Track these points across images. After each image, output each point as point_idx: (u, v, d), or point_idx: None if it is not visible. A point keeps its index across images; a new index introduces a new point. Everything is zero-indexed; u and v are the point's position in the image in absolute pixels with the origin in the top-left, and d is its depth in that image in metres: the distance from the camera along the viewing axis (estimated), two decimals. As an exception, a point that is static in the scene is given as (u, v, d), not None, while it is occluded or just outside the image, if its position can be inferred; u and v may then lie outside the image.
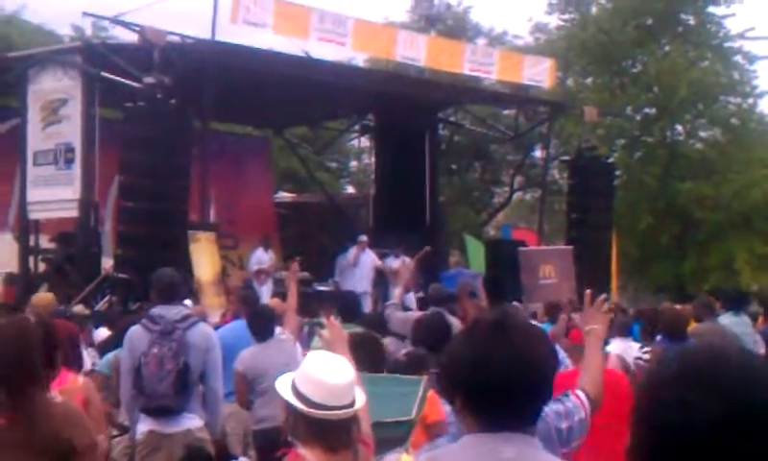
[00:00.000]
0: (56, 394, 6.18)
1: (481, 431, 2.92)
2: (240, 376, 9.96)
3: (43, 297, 11.57)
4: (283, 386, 4.56)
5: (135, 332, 8.63)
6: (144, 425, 8.53)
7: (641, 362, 11.72)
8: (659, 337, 11.88)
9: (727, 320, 13.33)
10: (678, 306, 15.81)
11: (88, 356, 10.61)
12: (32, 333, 4.94)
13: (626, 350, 11.96)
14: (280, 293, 18.40)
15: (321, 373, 4.50)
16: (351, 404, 4.48)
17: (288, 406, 4.54)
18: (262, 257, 21.76)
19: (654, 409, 1.94)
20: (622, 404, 7.39)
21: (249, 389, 9.91)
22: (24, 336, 4.87)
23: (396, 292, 18.39)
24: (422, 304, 18.08)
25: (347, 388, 4.49)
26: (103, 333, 13.15)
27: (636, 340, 13.00)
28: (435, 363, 7.28)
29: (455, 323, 10.73)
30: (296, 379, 4.54)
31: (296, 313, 10.46)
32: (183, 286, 11.13)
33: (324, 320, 5.35)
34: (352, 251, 22.65)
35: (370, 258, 22.70)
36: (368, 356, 6.85)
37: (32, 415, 4.70)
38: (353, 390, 4.53)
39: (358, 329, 8.67)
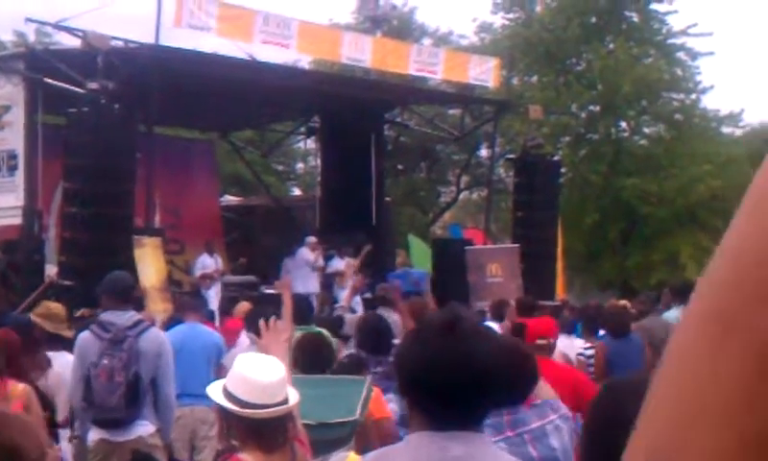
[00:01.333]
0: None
1: (429, 430, 2.94)
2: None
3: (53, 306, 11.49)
4: (214, 391, 4.60)
5: (85, 339, 8.56)
6: (95, 434, 8.49)
7: (583, 358, 11.86)
8: (601, 332, 12.01)
9: (676, 313, 13.49)
10: (622, 302, 15.98)
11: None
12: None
13: (569, 346, 12.08)
14: (230, 297, 18.42)
15: (251, 372, 4.54)
16: (284, 402, 4.52)
17: (221, 411, 4.57)
18: (206, 262, 21.72)
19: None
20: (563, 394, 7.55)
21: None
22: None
23: (346, 294, 18.49)
24: (369, 305, 18.13)
25: (278, 386, 4.52)
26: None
27: (578, 337, 13.13)
28: (375, 364, 7.34)
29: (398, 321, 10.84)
30: (227, 383, 4.57)
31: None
32: (135, 290, 11.13)
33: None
34: (305, 252, 22.63)
35: (319, 260, 22.78)
36: (317, 356, 6.91)
37: None
38: (285, 388, 4.57)
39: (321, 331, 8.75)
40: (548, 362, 8.22)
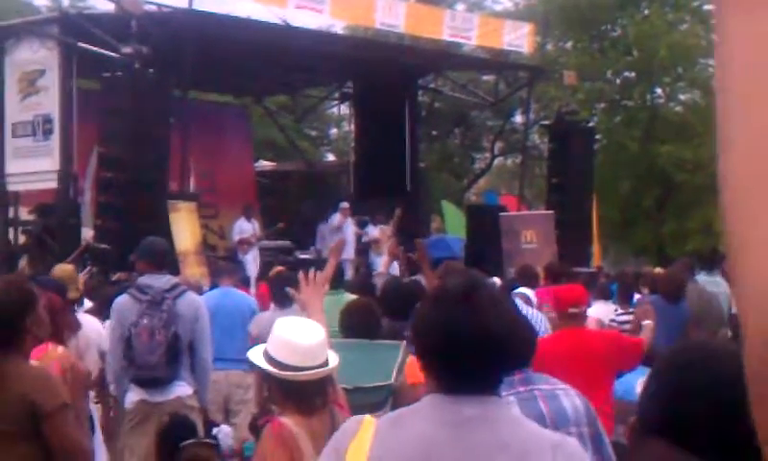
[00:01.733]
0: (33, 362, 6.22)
1: (444, 393, 2.93)
2: (253, 340, 9.96)
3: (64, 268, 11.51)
4: (256, 355, 4.62)
5: (124, 302, 8.59)
6: (134, 395, 8.51)
7: (615, 324, 11.81)
8: (652, 297, 11.92)
9: (701, 279, 13.45)
10: (657, 269, 15.93)
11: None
12: (12, 297, 4.98)
13: (606, 312, 12.04)
14: (267, 262, 18.45)
15: (291, 335, 4.55)
16: (324, 364, 4.52)
17: (263, 374, 4.58)
18: (244, 227, 21.70)
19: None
20: (596, 365, 7.48)
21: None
22: (19, 296, 4.94)
23: (383, 260, 18.47)
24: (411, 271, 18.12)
25: (318, 348, 4.53)
26: (85, 304, 13.14)
27: (614, 302, 13.09)
28: (401, 329, 7.31)
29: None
30: (268, 346, 4.58)
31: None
32: (170, 255, 11.17)
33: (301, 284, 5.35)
34: (336, 217, 22.67)
35: (351, 226, 22.76)
36: (363, 321, 6.90)
37: (5, 378, 4.73)
38: (325, 351, 4.57)
39: (350, 296, 8.73)
40: (581, 332, 8.10)
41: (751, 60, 0.93)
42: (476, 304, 2.95)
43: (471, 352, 2.89)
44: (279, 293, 10.25)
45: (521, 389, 4.40)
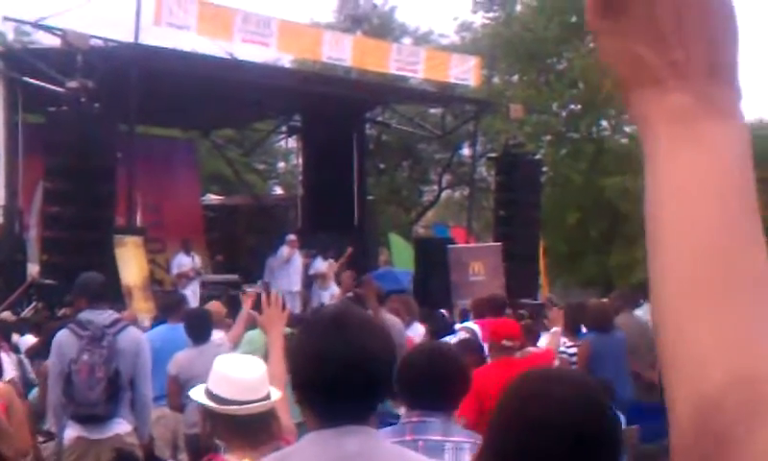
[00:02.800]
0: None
1: (321, 427, 2.95)
2: (173, 379, 9.89)
3: None
4: (197, 393, 4.65)
5: (64, 338, 8.53)
6: (72, 431, 8.45)
7: (565, 356, 11.87)
8: (584, 330, 12.03)
9: (644, 310, 13.60)
10: (603, 300, 16.04)
11: (11, 363, 10.48)
12: None
13: (554, 344, 12.09)
14: (211, 296, 18.38)
15: (231, 370, 4.59)
16: (266, 398, 4.54)
17: (204, 410, 4.60)
18: (183, 261, 21.65)
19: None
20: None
21: (181, 392, 9.85)
22: None
23: (335, 294, 18.51)
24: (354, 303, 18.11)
25: (258, 383, 4.56)
26: (29, 340, 13.04)
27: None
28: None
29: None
30: (209, 383, 4.62)
31: (244, 327, 10.55)
32: (109, 289, 11.08)
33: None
34: (285, 249, 22.64)
35: (299, 258, 22.75)
36: None
37: None
38: (266, 385, 4.59)
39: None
40: (511, 361, 8.30)
41: (678, 190, 1.02)
42: (345, 330, 2.97)
43: (342, 377, 2.91)
44: (195, 330, 10.20)
45: (408, 438, 4.40)
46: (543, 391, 2.37)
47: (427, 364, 4.72)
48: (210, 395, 4.57)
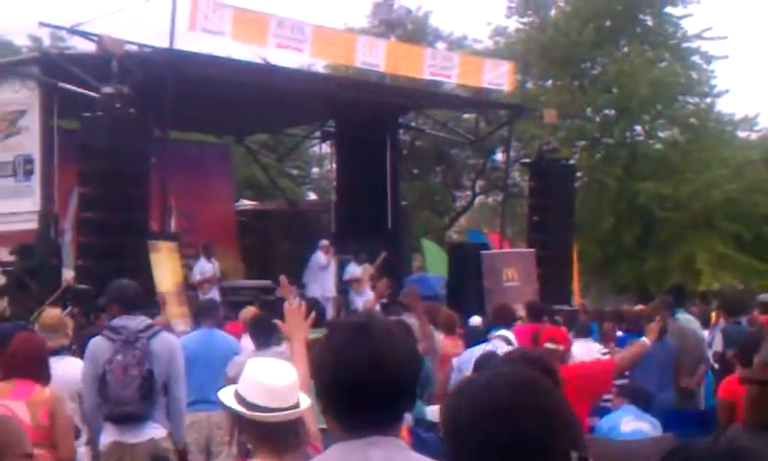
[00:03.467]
0: (20, 405, 6.19)
1: (346, 438, 2.93)
2: (229, 382, 9.94)
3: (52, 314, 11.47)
4: (227, 395, 4.64)
5: (97, 343, 8.53)
6: (108, 436, 8.45)
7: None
8: (619, 333, 11.98)
9: (681, 316, 13.58)
10: (638, 307, 16.01)
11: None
12: None
13: (587, 350, 12.04)
14: (242, 302, 18.42)
15: (262, 376, 4.58)
16: (295, 406, 4.54)
17: (233, 415, 4.61)
18: (205, 267, 21.77)
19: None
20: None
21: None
22: None
23: (370, 299, 18.48)
24: (387, 310, 18.09)
25: (289, 390, 4.55)
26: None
27: (594, 341, 13.09)
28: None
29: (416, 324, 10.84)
30: (239, 387, 4.61)
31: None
32: (144, 296, 11.10)
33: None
34: (321, 255, 22.68)
35: (333, 264, 22.80)
36: None
37: None
38: (296, 392, 4.59)
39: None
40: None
41: None
42: (370, 338, 2.95)
43: (366, 386, 2.89)
44: (259, 335, 10.25)
45: None
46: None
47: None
48: (240, 399, 4.58)
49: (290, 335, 5.29)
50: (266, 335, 10.21)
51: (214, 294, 20.79)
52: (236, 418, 4.63)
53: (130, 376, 8.28)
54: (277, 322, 5.69)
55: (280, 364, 4.76)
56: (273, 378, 4.57)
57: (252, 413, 4.51)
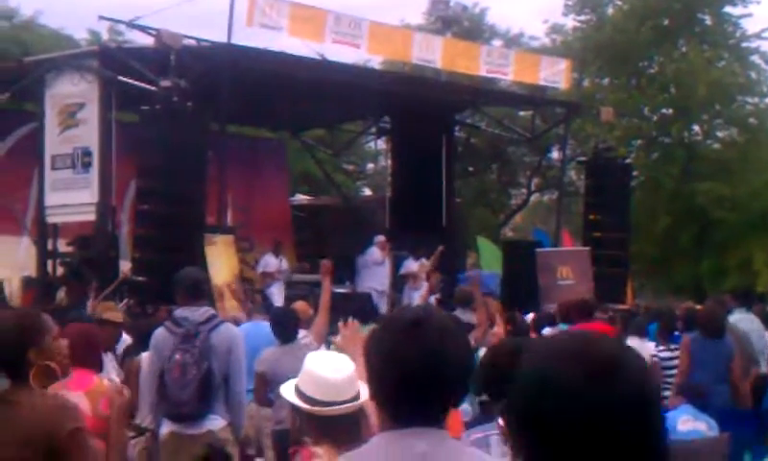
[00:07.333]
0: (80, 395, 6.25)
1: (392, 428, 2.96)
2: (259, 376, 10.02)
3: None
4: (287, 390, 4.70)
5: (160, 335, 8.60)
6: (166, 427, 8.55)
7: (657, 359, 11.81)
8: (692, 335, 11.90)
9: (736, 316, 13.48)
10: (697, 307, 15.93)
11: (110, 361, 10.55)
12: (27, 326, 4.96)
13: (641, 349, 11.98)
14: (295, 296, 18.48)
15: (320, 370, 4.65)
16: (354, 399, 4.57)
17: (293, 409, 4.66)
18: (270, 262, 21.88)
19: None
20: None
21: (268, 389, 9.93)
22: (20, 328, 4.92)
23: (422, 294, 18.49)
24: (445, 306, 18.09)
25: (347, 383, 4.60)
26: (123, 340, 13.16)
27: (651, 340, 13.02)
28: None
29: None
30: (299, 381, 4.66)
31: (327, 313, 10.54)
32: (207, 286, 11.19)
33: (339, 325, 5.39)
34: (376, 251, 22.70)
35: (388, 259, 22.82)
36: None
37: (16, 406, 4.73)
38: (355, 385, 4.62)
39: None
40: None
41: None
42: (422, 331, 2.97)
43: (415, 379, 2.92)
44: (282, 329, 10.28)
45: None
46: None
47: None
48: (300, 394, 4.65)
49: (345, 349, 5.30)
50: (289, 329, 10.26)
51: (280, 287, 20.86)
52: (296, 411, 4.69)
53: (187, 378, 8.29)
54: (333, 338, 5.74)
55: (339, 357, 4.80)
56: (331, 372, 4.64)
57: (311, 408, 4.58)
